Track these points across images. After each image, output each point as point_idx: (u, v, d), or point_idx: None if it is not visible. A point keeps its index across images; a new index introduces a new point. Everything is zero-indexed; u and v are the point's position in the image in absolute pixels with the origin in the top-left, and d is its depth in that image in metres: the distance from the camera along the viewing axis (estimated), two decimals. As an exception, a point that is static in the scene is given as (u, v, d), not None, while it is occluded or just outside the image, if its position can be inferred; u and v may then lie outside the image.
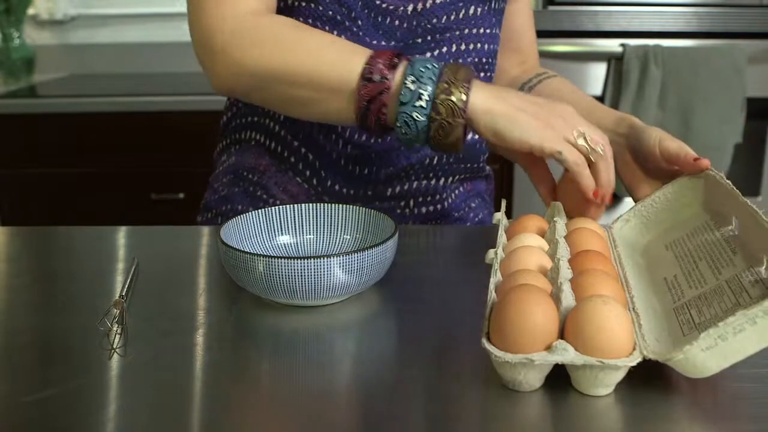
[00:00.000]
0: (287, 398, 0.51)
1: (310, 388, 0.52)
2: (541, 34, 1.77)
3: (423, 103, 0.68)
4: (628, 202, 1.87)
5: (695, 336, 0.52)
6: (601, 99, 1.81)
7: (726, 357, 0.48)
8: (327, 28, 0.83)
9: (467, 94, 0.68)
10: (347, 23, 0.83)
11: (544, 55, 1.77)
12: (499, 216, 0.75)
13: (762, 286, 0.53)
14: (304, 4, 0.83)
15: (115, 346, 0.58)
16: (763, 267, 0.54)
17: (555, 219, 0.70)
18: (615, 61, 1.78)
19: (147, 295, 0.68)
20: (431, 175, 0.92)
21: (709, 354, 0.47)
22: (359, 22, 0.83)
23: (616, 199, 1.88)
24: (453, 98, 0.67)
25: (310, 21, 0.83)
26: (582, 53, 1.80)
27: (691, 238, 0.67)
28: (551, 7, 1.79)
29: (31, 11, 2.21)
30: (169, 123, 1.83)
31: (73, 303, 0.68)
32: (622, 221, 0.75)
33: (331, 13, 0.82)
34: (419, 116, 0.68)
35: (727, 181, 0.66)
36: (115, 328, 0.60)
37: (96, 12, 2.26)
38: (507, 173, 1.90)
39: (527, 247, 0.64)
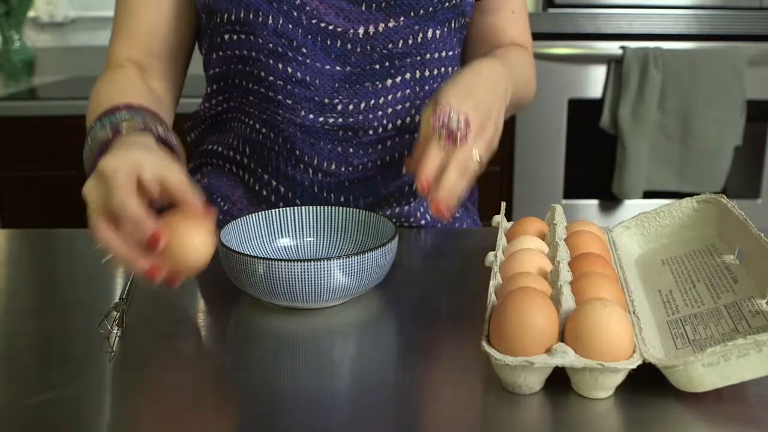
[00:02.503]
0: (287, 400, 0.51)
1: (310, 390, 0.52)
2: (541, 36, 1.78)
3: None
4: (630, 206, 1.88)
5: (690, 351, 0.52)
6: (600, 101, 1.82)
7: (723, 377, 0.48)
8: (271, 61, 0.80)
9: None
10: (290, 53, 0.80)
11: (544, 57, 1.79)
12: (499, 219, 0.75)
13: (763, 318, 0.53)
14: (243, 37, 0.80)
15: (115, 349, 0.58)
16: (765, 300, 0.55)
17: (555, 222, 0.70)
18: (615, 63, 1.78)
19: (147, 298, 0.68)
20: (411, 200, 0.90)
21: (709, 370, 0.48)
22: (304, 50, 0.80)
23: (618, 202, 1.88)
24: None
25: (253, 54, 0.81)
26: (582, 56, 1.80)
27: (691, 258, 0.67)
28: (551, 10, 1.79)
29: (31, 14, 2.21)
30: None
31: (73, 306, 0.68)
32: (622, 227, 0.75)
33: (271, 45, 0.80)
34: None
35: (740, 212, 0.66)
36: (115, 331, 0.60)
37: (96, 14, 2.26)
38: (507, 176, 1.90)
39: (527, 249, 0.64)
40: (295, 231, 0.75)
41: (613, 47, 1.78)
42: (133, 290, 0.69)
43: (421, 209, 0.92)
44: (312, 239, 0.75)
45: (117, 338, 0.59)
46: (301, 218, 0.75)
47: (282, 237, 0.75)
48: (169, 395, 0.52)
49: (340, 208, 0.75)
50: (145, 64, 0.86)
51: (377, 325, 0.64)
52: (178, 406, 0.51)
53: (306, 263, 0.60)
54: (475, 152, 0.66)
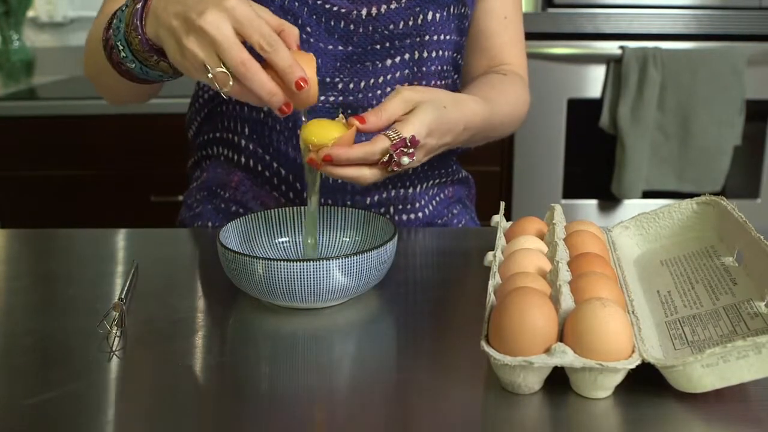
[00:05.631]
0: (286, 400, 0.51)
1: (310, 390, 0.52)
2: (541, 36, 1.78)
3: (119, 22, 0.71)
4: (629, 206, 1.87)
5: (688, 351, 0.52)
6: (600, 101, 1.82)
7: (722, 378, 0.48)
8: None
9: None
10: None
11: (543, 57, 1.79)
12: (498, 218, 0.75)
13: (762, 320, 0.53)
14: None
15: (114, 349, 0.58)
16: (764, 302, 0.55)
17: (554, 222, 0.70)
18: (614, 63, 1.78)
19: (146, 298, 0.68)
20: (408, 183, 0.91)
21: (708, 371, 0.48)
22: (308, 29, 0.83)
23: (617, 202, 1.88)
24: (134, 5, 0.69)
25: None
26: (581, 55, 1.80)
27: (690, 260, 0.67)
28: (550, 10, 1.79)
29: (30, 13, 2.21)
30: (169, 125, 1.83)
31: (72, 305, 0.68)
32: (621, 227, 0.75)
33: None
34: (118, 32, 0.71)
35: (739, 214, 0.66)
36: (114, 331, 0.60)
37: (95, 14, 2.26)
38: (506, 175, 1.90)
39: (526, 249, 0.64)
40: (295, 231, 0.75)
41: (612, 47, 1.78)
42: (132, 290, 0.69)
43: (423, 200, 0.92)
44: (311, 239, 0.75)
45: (116, 338, 0.59)
46: (301, 218, 0.75)
47: (281, 236, 0.75)
48: (168, 395, 0.52)
49: (340, 207, 0.75)
50: None
51: (376, 325, 0.64)
52: (178, 406, 0.51)
53: (305, 263, 0.60)
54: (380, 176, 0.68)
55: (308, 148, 0.66)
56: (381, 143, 0.66)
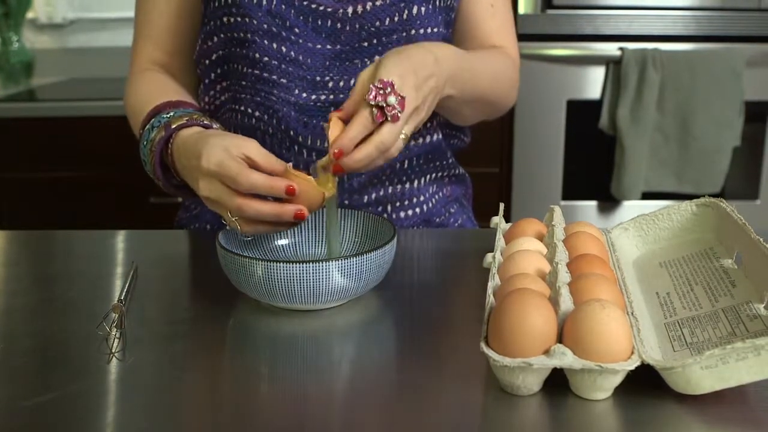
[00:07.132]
0: (286, 402, 0.51)
1: (309, 391, 0.52)
2: (540, 37, 1.78)
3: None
4: (629, 207, 1.88)
5: (687, 353, 0.52)
6: (599, 102, 1.82)
7: (721, 380, 0.48)
8: (266, 41, 0.83)
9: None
10: (284, 33, 0.83)
11: (542, 58, 1.79)
12: (498, 220, 0.75)
13: (761, 322, 0.53)
14: (239, 19, 0.83)
15: (113, 351, 0.58)
16: (763, 304, 0.55)
17: (553, 223, 0.70)
18: (613, 65, 1.78)
19: (146, 299, 0.68)
20: (404, 178, 0.91)
21: (707, 373, 0.48)
22: (296, 30, 0.84)
23: (617, 203, 1.89)
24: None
25: (248, 35, 0.83)
26: (580, 57, 1.80)
27: (689, 262, 0.67)
28: (550, 11, 1.79)
29: (30, 15, 2.21)
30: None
31: (72, 307, 0.68)
32: (620, 229, 0.75)
33: (266, 26, 0.83)
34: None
35: (739, 216, 0.66)
36: (113, 333, 0.60)
37: (95, 16, 2.26)
38: (506, 177, 1.90)
39: (525, 251, 0.64)
40: (294, 232, 0.75)
41: (611, 48, 1.78)
42: (131, 292, 0.69)
43: (422, 196, 0.92)
44: (311, 240, 0.75)
45: (115, 340, 0.59)
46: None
47: (281, 238, 0.75)
48: (167, 397, 0.52)
49: (339, 209, 0.75)
50: (166, 63, 0.93)
51: (376, 327, 0.64)
52: (177, 408, 0.51)
53: (305, 265, 0.60)
54: (402, 133, 0.69)
55: (327, 164, 0.67)
56: (362, 107, 0.67)
